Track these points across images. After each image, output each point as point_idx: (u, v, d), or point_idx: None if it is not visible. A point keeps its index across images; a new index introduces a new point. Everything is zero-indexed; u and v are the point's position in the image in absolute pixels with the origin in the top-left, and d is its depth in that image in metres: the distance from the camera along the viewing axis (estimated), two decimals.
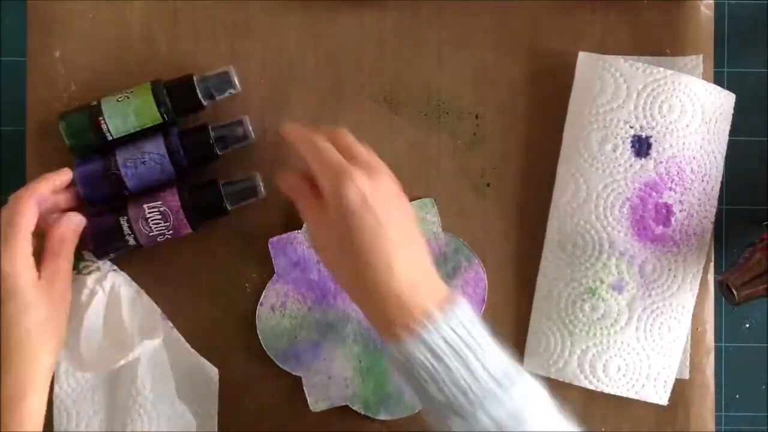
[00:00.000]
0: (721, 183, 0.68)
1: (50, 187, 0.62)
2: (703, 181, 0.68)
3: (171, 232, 0.65)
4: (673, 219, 0.67)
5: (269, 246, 0.68)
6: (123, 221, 0.64)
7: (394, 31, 0.69)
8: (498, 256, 0.69)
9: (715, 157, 0.68)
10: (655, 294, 0.67)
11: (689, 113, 0.66)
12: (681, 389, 0.69)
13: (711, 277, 0.69)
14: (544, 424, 0.54)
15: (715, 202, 0.68)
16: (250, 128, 0.65)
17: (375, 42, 0.69)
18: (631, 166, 0.67)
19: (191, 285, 0.68)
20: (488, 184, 0.69)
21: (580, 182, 0.67)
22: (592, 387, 0.67)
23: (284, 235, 0.68)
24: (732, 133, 0.68)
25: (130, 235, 0.64)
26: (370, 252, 0.56)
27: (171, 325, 0.68)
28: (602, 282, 0.67)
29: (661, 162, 0.66)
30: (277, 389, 0.69)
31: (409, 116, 0.69)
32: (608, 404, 0.69)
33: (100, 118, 0.64)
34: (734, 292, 0.60)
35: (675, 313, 0.68)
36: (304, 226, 0.68)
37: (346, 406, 0.68)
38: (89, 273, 0.66)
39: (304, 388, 0.68)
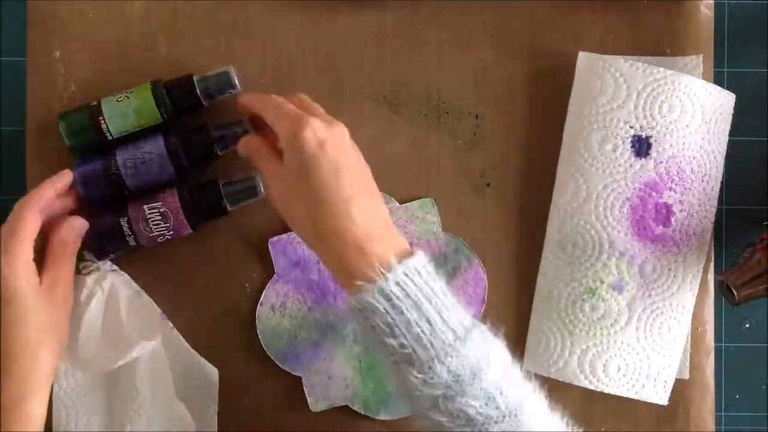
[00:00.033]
0: (721, 183, 0.68)
1: (53, 191, 0.62)
2: (703, 181, 0.68)
3: (171, 232, 0.65)
4: (673, 219, 0.67)
5: (269, 246, 0.68)
6: (123, 222, 0.64)
7: (394, 31, 0.69)
8: (498, 256, 0.69)
9: (715, 157, 0.68)
10: (655, 294, 0.67)
11: (689, 113, 0.66)
12: (681, 389, 0.69)
13: (711, 277, 0.69)
14: (501, 377, 0.54)
15: (715, 202, 0.68)
16: (250, 128, 0.65)
17: (375, 42, 0.69)
18: (631, 166, 0.67)
19: (191, 285, 0.68)
20: (488, 184, 0.69)
21: (580, 182, 0.67)
22: (592, 387, 0.67)
23: (284, 235, 0.68)
24: (732, 133, 0.68)
25: (130, 235, 0.64)
26: (328, 196, 0.56)
27: (171, 325, 0.68)
28: (602, 282, 0.67)
29: (661, 162, 0.66)
30: (277, 389, 0.69)
31: (409, 116, 0.69)
32: (608, 404, 0.69)
33: (100, 118, 0.64)
34: (734, 292, 0.60)
35: (675, 313, 0.68)
36: None
37: (346, 406, 0.68)
38: (89, 273, 0.66)
39: (304, 388, 0.68)
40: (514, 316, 0.69)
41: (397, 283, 0.53)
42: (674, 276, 0.68)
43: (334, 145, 0.57)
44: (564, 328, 0.68)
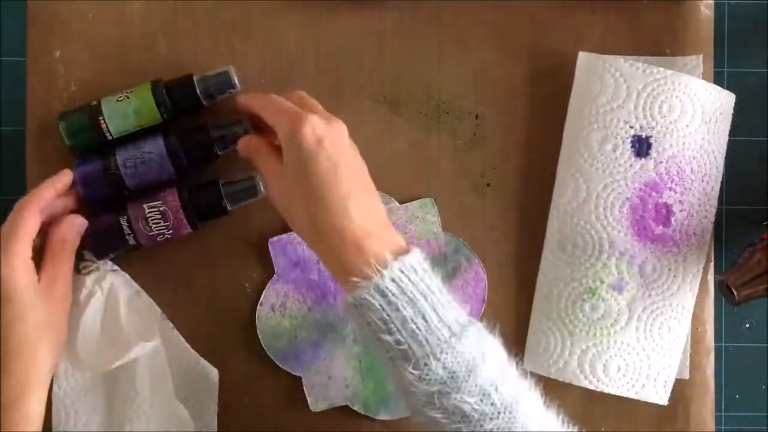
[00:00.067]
0: (721, 183, 0.68)
1: (53, 191, 0.62)
2: (703, 181, 0.68)
3: (171, 231, 0.65)
4: (673, 219, 0.67)
5: (269, 246, 0.68)
6: (123, 221, 0.64)
7: (394, 31, 0.69)
8: (498, 256, 0.69)
9: (715, 157, 0.68)
10: (655, 294, 0.67)
11: (689, 113, 0.66)
12: (681, 389, 0.69)
13: (711, 277, 0.69)
14: (496, 374, 0.54)
15: (715, 202, 0.68)
16: (250, 128, 0.65)
17: (375, 42, 0.69)
18: (631, 166, 0.67)
19: (191, 285, 0.68)
20: (488, 184, 0.69)
21: (580, 182, 0.67)
22: (592, 387, 0.67)
23: (284, 235, 0.68)
24: (732, 133, 0.68)
25: (130, 234, 0.64)
26: (326, 193, 0.56)
27: (171, 325, 0.68)
28: (602, 282, 0.67)
29: (661, 162, 0.66)
30: (277, 389, 0.69)
31: (409, 116, 0.69)
32: (608, 404, 0.69)
33: (100, 118, 0.64)
34: (734, 292, 0.60)
35: (675, 313, 0.68)
36: None
37: (346, 406, 0.68)
38: (89, 273, 0.66)
39: (304, 388, 0.68)
40: (514, 316, 0.69)
41: (393, 280, 0.54)
42: (674, 276, 0.68)
43: (332, 142, 0.57)
44: (564, 328, 0.68)
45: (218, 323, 0.68)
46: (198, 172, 0.66)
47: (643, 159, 0.66)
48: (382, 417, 0.68)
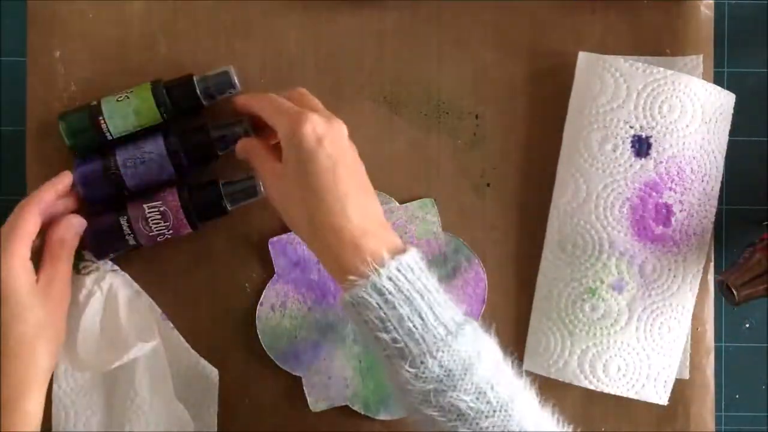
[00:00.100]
0: (721, 183, 0.68)
1: (53, 193, 0.62)
2: (703, 181, 0.68)
3: (171, 232, 0.65)
4: (673, 219, 0.67)
5: (269, 246, 0.68)
6: (123, 221, 0.64)
7: (394, 31, 0.69)
8: (498, 256, 0.69)
9: (715, 157, 0.68)
10: (655, 294, 0.67)
11: (689, 113, 0.66)
12: (681, 389, 0.69)
13: (711, 277, 0.69)
14: (492, 372, 0.54)
15: (715, 202, 0.68)
16: (250, 128, 0.65)
17: (375, 42, 0.69)
18: (631, 166, 0.67)
19: (191, 285, 0.68)
20: (488, 184, 0.69)
21: (580, 182, 0.67)
22: (592, 387, 0.67)
23: (284, 235, 0.68)
24: (732, 133, 0.68)
25: (130, 235, 0.64)
26: (324, 193, 0.56)
27: (171, 325, 0.68)
28: (602, 282, 0.67)
29: (661, 162, 0.66)
30: (277, 389, 0.69)
31: (409, 116, 0.69)
32: (608, 404, 0.69)
33: (100, 118, 0.64)
34: (734, 292, 0.60)
35: (675, 313, 0.68)
36: None
37: (346, 406, 0.68)
38: (88, 273, 0.66)
39: (304, 388, 0.68)
40: (514, 316, 0.69)
41: (390, 278, 0.54)
42: (674, 276, 0.68)
43: (332, 141, 0.57)
44: (564, 328, 0.68)
45: (218, 323, 0.68)
46: (198, 172, 0.66)
47: (643, 159, 0.66)
48: (382, 417, 0.68)
